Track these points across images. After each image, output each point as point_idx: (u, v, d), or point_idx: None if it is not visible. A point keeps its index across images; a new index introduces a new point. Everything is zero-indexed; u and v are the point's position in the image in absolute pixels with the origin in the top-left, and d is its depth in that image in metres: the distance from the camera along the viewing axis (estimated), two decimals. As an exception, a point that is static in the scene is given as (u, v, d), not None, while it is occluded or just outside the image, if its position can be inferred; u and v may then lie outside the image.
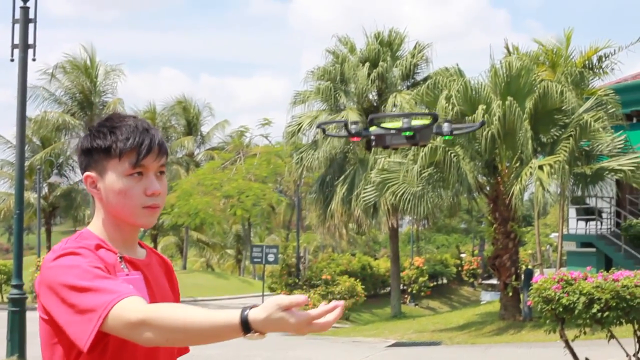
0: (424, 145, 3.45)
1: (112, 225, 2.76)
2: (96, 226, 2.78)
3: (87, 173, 2.75)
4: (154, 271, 2.85)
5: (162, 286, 2.86)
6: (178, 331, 2.37)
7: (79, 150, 2.79)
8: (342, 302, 2.44)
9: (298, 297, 2.37)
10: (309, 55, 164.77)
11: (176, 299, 2.95)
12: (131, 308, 2.41)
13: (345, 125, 3.44)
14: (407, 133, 3.34)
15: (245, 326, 2.33)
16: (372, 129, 3.44)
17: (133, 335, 2.40)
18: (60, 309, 2.51)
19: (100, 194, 2.73)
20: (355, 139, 3.49)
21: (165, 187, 2.78)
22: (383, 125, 3.43)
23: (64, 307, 2.50)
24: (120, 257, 2.72)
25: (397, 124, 3.39)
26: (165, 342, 2.41)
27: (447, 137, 3.61)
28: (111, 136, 2.69)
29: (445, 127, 3.55)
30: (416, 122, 3.37)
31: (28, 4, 16.71)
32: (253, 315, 2.33)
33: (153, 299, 2.71)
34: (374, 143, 3.40)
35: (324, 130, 4.12)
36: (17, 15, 16.73)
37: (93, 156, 2.73)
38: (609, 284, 19.48)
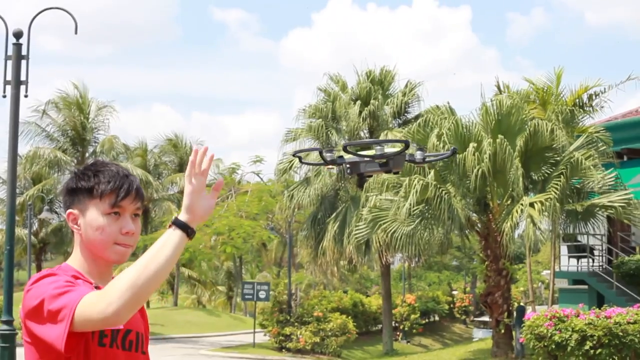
0: (397, 173, 3.49)
1: (89, 259, 3.05)
2: (75, 260, 3.08)
3: (69, 210, 3.06)
4: None
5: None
6: (142, 277, 2.67)
7: (64, 190, 3.11)
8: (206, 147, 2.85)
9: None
10: (300, 92, 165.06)
11: (145, 328, 3.19)
12: (92, 293, 2.74)
13: (320, 153, 3.48)
14: (381, 160, 3.39)
15: (186, 227, 2.77)
16: (347, 156, 3.48)
17: (104, 313, 2.67)
18: (41, 321, 2.81)
19: (80, 230, 3.03)
20: (330, 166, 3.53)
21: (139, 228, 3.07)
22: (357, 152, 3.46)
23: (43, 318, 2.79)
24: (96, 287, 2.93)
25: (371, 151, 3.43)
26: (132, 299, 2.66)
27: (419, 165, 3.65)
28: (94, 178, 3.02)
29: (418, 154, 3.59)
30: (389, 150, 3.42)
31: (20, 41, 16.77)
32: (181, 217, 2.78)
33: (127, 322, 2.91)
34: (348, 170, 3.44)
35: (300, 159, 4.19)
36: (10, 52, 16.79)
37: (77, 195, 3.04)
38: (602, 321, 19.51)
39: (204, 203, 2.83)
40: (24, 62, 16.70)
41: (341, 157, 3.49)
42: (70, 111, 42.52)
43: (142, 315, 3.19)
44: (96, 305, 2.68)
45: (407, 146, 3.40)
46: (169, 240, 2.75)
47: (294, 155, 4.56)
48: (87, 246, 3.04)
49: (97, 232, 2.99)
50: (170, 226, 2.78)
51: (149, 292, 2.72)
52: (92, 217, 3.00)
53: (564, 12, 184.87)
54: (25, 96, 16.79)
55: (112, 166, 3.07)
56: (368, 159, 3.40)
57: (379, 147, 3.39)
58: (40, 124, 42.66)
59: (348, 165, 3.45)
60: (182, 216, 2.78)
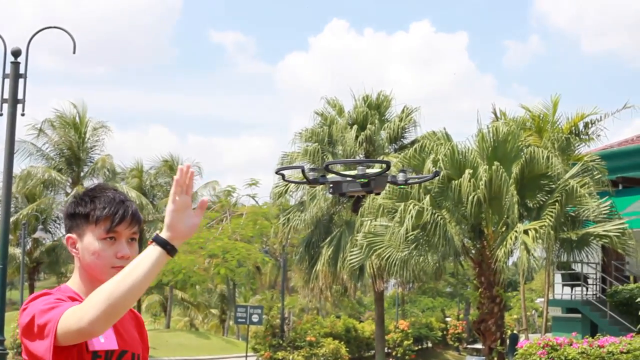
0: (378, 193, 3.53)
1: (87, 281, 3.15)
2: (74, 282, 3.19)
3: (68, 235, 3.19)
4: (124, 321, 3.20)
5: (130, 334, 3.21)
6: (119, 290, 2.74)
7: (64, 214, 3.24)
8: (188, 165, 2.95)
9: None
10: (296, 116, 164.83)
11: (144, 349, 3.32)
12: (74, 306, 2.84)
13: (303, 171, 3.49)
14: (362, 180, 3.40)
15: (165, 245, 2.82)
16: (329, 176, 3.49)
17: (79, 324, 2.76)
18: (32, 337, 2.91)
19: (78, 253, 3.15)
20: (312, 185, 3.56)
21: (135, 252, 3.17)
22: (339, 172, 3.48)
23: (34, 334, 2.89)
24: None
25: (353, 171, 3.45)
26: (107, 311, 2.73)
27: (401, 186, 3.70)
28: (91, 204, 3.14)
29: (400, 176, 3.61)
30: (371, 170, 3.43)
31: (19, 59, 16.79)
32: (162, 234, 2.84)
33: (123, 343, 3.11)
34: (331, 190, 3.46)
35: (283, 176, 4.22)
36: (8, 70, 16.80)
37: (75, 220, 3.17)
38: (595, 350, 19.51)
39: (188, 221, 2.90)
40: (21, 80, 16.71)
41: (323, 176, 3.50)
42: (65, 130, 42.50)
43: (141, 337, 3.31)
44: (73, 316, 2.78)
45: (388, 167, 3.43)
46: (147, 257, 2.81)
47: (277, 173, 4.59)
48: (86, 269, 3.15)
49: (93, 256, 3.10)
50: (150, 242, 2.84)
51: (125, 306, 2.78)
52: (88, 242, 3.11)
53: (560, 40, 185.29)
54: (22, 115, 16.79)
55: (110, 192, 3.18)
56: (350, 178, 3.42)
57: (360, 167, 3.42)
58: (37, 142, 42.64)
59: (330, 185, 3.47)
60: (163, 234, 2.85)
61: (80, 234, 3.14)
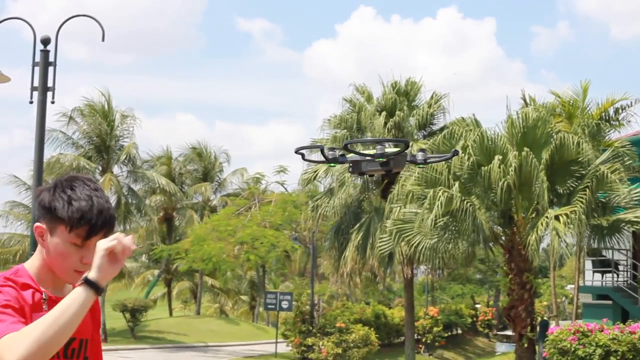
0: (398, 172, 3.54)
1: (45, 269, 3.11)
2: (32, 265, 3.13)
3: (38, 224, 3.09)
4: None
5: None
6: (48, 336, 2.69)
7: (39, 201, 3.11)
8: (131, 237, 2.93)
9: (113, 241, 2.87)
10: (324, 103, 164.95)
11: (96, 326, 3.32)
12: (9, 336, 2.73)
13: (322, 150, 3.49)
14: (381, 159, 3.40)
15: (95, 286, 2.82)
16: (349, 155, 3.48)
17: (12, 356, 2.68)
18: None
19: (44, 244, 3.08)
20: (332, 164, 3.55)
21: None
22: (358, 151, 3.48)
23: None
24: (45, 299, 3.05)
25: (372, 150, 3.44)
26: (39, 352, 2.69)
27: (420, 166, 3.67)
28: (68, 207, 3.02)
29: (419, 155, 3.61)
30: (389, 150, 3.42)
31: (48, 47, 16.86)
32: (92, 277, 2.82)
33: None
34: (350, 169, 3.46)
35: (302, 156, 4.22)
36: (37, 59, 16.87)
37: (49, 213, 3.05)
38: (626, 336, 19.42)
39: (114, 264, 2.88)
40: (51, 68, 16.78)
41: (343, 155, 3.50)
42: (94, 118, 42.64)
43: (93, 319, 3.30)
44: (6, 350, 2.72)
45: (407, 146, 3.42)
46: (77, 299, 2.80)
47: (296, 152, 4.60)
48: (48, 263, 3.09)
49: (60, 257, 3.04)
50: (80, 284, 2.83)
51: (55, 347, 2.76)
52: (57, 241, 3.04)
53: (589, 26, 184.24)
54: (52, 102, 16.85)
55: (87, 195, 3.06)
56: (369, 158, 3.42)
57: (379, 147, 3.41)
58: (66, 131, 42.78)
59: (350, 164, 3.47)
60: (92, 275, 2.84)
61: (51, 229, 3.05)
